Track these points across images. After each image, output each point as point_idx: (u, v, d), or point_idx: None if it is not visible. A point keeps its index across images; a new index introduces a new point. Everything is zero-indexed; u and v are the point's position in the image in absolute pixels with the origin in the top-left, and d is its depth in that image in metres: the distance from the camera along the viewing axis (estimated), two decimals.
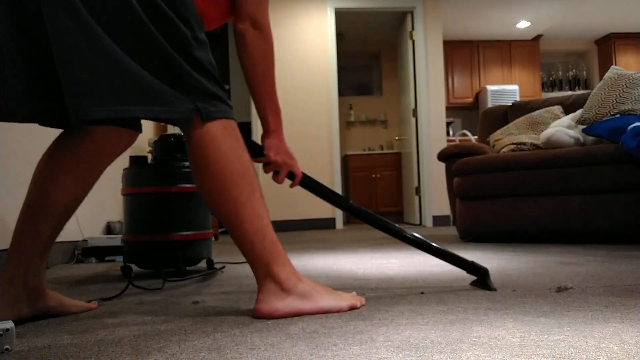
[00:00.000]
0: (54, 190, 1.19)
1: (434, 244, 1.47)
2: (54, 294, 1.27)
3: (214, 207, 1.20)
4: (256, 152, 1.35)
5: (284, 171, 1.37)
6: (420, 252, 2.55)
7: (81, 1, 1.02)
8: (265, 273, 1.18)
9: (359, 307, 1.22)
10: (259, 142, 1.36)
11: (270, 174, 1.39)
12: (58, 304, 1.25)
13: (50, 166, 1.20)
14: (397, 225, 1.49)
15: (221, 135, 1.16)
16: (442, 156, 3.51)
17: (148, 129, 4.31)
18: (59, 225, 1.23)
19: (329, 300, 1.18)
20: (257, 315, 1.15)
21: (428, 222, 5.52)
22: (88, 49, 1.01)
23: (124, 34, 1.05)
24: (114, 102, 1.03)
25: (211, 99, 1.15)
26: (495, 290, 1.40)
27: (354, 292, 1.31)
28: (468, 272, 1.49)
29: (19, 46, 1.06)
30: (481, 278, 1.47)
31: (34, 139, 2.23)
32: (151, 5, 1.07)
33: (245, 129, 6.57)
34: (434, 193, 5.52)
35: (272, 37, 1.29)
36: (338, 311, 1.17)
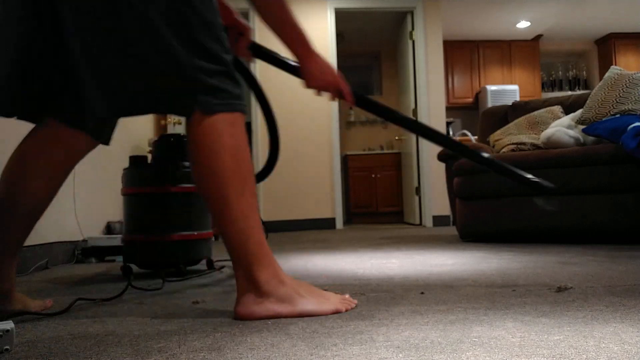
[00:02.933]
0: (23, 191, 1.17)
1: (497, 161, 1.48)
2: (20, 296, 1.26)
3: (205, 203, 1.19)
4: (296, 73, 1.36)
5: (332, 91, 1.37)
6: (420, 252, 2.56)
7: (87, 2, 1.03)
8: (246, 275, 1.16)
9: (344, 311, 1.17)
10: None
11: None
12: (23, 306, 1.24)
13: (18, 167, 1.19)
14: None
15: (218, 130, 1.13)
16: (442, 156, 3.51)
17: (148, 129, 4.31)
18: (29, 227, 1.21)
19: (310, 303, 1.15)
20: (235, 317, 1.15)
21: (428, 222, 5.52)
22: (99, 51, 1.04)
23: (126, 22, 1.05)
24: (118, 100, 1.05)
25: (216, 92, 1.12)
26: (552, 186, 1.39)
27: (347, 295, 1.28)
28: (533, 189, 1.46)
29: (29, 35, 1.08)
30: (545, 196, 1.45)
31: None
32: None
33: (245, 129, 6.58)
34: (434, 193, 5.52)
35: None
36: (320, 315, 1.14)
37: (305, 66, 1.34)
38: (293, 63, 1.38)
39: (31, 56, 1.09)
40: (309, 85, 1.36)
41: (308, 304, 1.16)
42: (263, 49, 1.44)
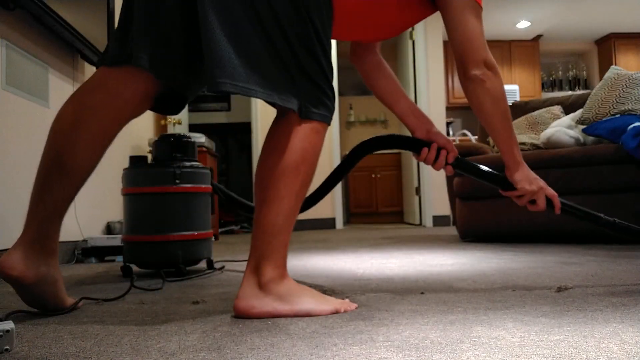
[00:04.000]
0: (69, 157, 1.18)
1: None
2: (60, 274, 1.27)
3: (257, 187, 1.23)
4: (506, 185, 1.42)
5: (541, 197, 1.42)
6: (420, 252, 2.56)
7: None
8: (255, 266, 1.18)
9: (343, 312, 1.18)
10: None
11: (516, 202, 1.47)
12: (57, 280, 1.24)
13: (65, 132, 1.19)
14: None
15: (305, 133, 1.19)
16: None
17: (148, 129, 4.31)
18: (75, 189, 1.23)
19: (309, 303, 1.17)
20: (234, 310, 1.16)
21: (428, 222, 5.52)
22: (230, 31, 1.10)
23: (260, 25, 1.13)
24: (241, 81, 1.10)
25: (316, 100, 1.20)
26: None
27: (346, 299, 1.28)
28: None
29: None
30: None
31: (33, 139, 2.23)
32: (292, 2, 1.14)
33: (245, 128, 6.55)
34: (434, 193, 5.52)
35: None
36: (319, 314, 1.15)
37: (519, 171, 1.41)
38: (499, 174, 1.45)
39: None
40: (522, 189, 1.40)
41: (307, 304, 1.17)
42: (468, 163, 1.47)
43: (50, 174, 1.19)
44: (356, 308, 1.23)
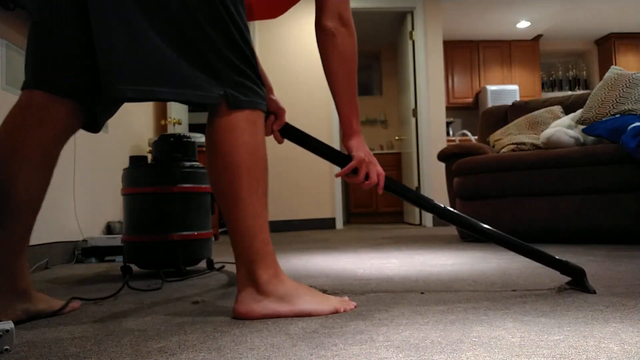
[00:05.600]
0: (15, 188, 1.13)
1: (527, 245, 1.42)
2: (41, 295, 1.26)
3: (216, 197, 1.20)
4: (343, 159, 1.35)
5: (373, 171, 1.36)
6: (420, 252, 2.56)
7: None
8: (247, 273, 1.16)
9: (343, 311, 1.17)
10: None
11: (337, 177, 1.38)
12: (48, 306, 1.24)
13: (5, 162, 1.14)
14: (487, 226, 1.44)
15: (241, 127, 1.14)
16: (442, 156, 3.51)
17: (148, 129, 4.31)
18: (31, 221, 1.19)
19: (310, 303, 1.16)
20: (235, 315, 1.15)
21: (428, 222, 5.52)
22: (123, 32, 1.04)
23: (162, 16, 1.07)
24: (144, 83, 1.04)
25: (243, 88, 1.15)
26: (594, 292, 1.30)
27: (345, 297, 1.28)
28: (562, 272, 1.41)
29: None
30: (577, 278, 1.38)
31: None
32: None
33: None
34: (434, 193, 5.52)
35: (355, 35, 1.28)
36: (319, 314, 1.14)
37: (354, 139, 1.34)
38: (326, 145, 1.39)
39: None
40: (358, 157, 1.34)
41: (307, 304, 1.16)
42: (296, 131, 1.41)
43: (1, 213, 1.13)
44: (355, 307, 1.23)
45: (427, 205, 1.41)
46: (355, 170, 1.35)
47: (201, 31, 1.09)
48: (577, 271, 1.38)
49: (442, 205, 1.41)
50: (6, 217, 1.14)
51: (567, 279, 1.42)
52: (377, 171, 1.37)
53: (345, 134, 1.35)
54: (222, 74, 1.12)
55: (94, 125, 1.27)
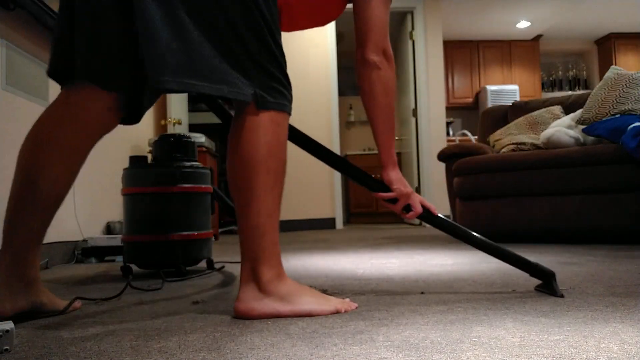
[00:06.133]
0: (43, 179, 1.15)
1: (498, 246, 1.42)
2: (47, 290, 1.26)
3: (232, 191, 1.21)
4: (378, 187, 1.37)
5: (417, 203, 1.37)
6: (420, 252, 2.56)
7: None
8: (250, 270, 1.17)
9: (344, 312, 1.18)
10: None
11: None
12: (49, 301, 1.25)
13: (36, 153, 1.16)
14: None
15: (265, 126, 1.16)
16: (442, 156, 3.51)
17: (148, 129, 4.31)
18: (52, 214, 1.20)
19: (311, 304, 1.16)
20: (235, 313, 1.16)
21: None
22: (167, 24, 1.06)
23: (202, 15, 1.09)
24: (185, 77, 1.07)
25: (272, 89, 1.17)
26: (562, 296, 1.28)
27: (347, 298, 1.27)
28: (531, 274, 1.41)
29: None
30: (546, 282, 1.38)
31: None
32: None
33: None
34: (434, 193, 5.52)
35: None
36: (320, 315, 1.15)
37: (395, 171, 1.37)
38: (373, 178, 1.40)
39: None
40: (398, 191, 1.35)
41: (308, 304, 1.16)
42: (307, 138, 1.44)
43: (22, 198, 1.15)
44: (357, 307, 1.23)
45: (464, 236, 1.41)
46: (394, 200, 1.38)
47: (235, 31, 1.12)
48: (546, 274, 1.38)
49: (478, 235, 1.41)
50: (27, 206, 1.15)
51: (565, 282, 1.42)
52: (420, 200, 1.39)
53: (385, 165, 1.37)
54: (253, 74, 1.15)
55: (133, 118, 1.29)
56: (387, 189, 1.37)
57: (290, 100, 1.22)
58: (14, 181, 1.17)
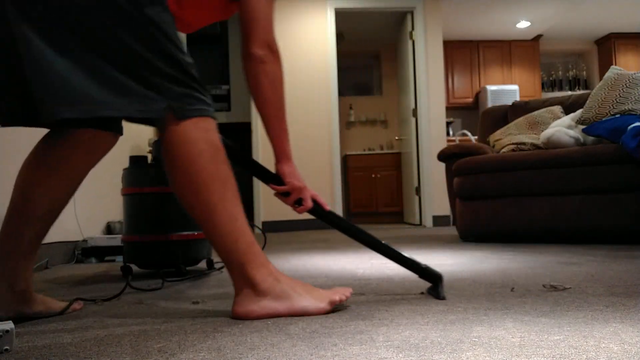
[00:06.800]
0: (37, 195, 1.19)
1: (389, 246, 1.44)
2: (41, 297, 1.26)
3: (187, 209, 1.19)
4: (272, 179, 1.34)
5: (307, 196, 1.36)
6: (420, 252, 2.55)
7: (45, 9, 1.01)
8: (240, 275, 1.16)
9: (339, 301, 1.18)
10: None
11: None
12: (46, 308, 1.25)
13: (33, 170, 1.20)
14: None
15: (194, 136, 1.13)
16: (442, 156, 3.51)
17: (148, 129, 4.31)
18: (44, 229, 1.22)
19: (307, 300, 1.16)
20: (234, 316, 1.15)
21: (428, 222, 5.52)
22: (58, 56, 1.01)
23: (94, 37, 1.05)
24: (85, 103, 1.03)
25: (187, 98, 1.13)
26: (443, 299, 1.30)
27: (338, 287, 1.27)
28: (420, 276, 1.43)
29: None
30: (434, 284, 1.39)
31: (34, 138, 2.23)
32: (121, 6, 1.06)
33: (245, 129, 6.53)
34: (434, 193, 5.52)
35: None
36: (317, 312, 1.15)
37: (288, 164, 1.33)
38: (269, 170, 1.37)
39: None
40: (290, 184, 1.33)
41: (305, 301, 1.16)
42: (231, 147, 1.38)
43: (14, 215, 1.18)
44: (351, 293, 1.23)
45: (351, 232, 1.43)
46: (288, 193, 1.35)
47: (126, 47, 1.07)
48: (434, 276, 1.39)
49: (368, 234, 1.43)
50: (18, 220, 1.18)
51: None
52: (312, 194, 1.38)
53: (278, 159, 1.34)
54: (162, 88, 1.10)
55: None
56: (282, 182, 1.34)
57: (209, 103, 1.18)
58: (12, 196, 1.20)
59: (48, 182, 1.20)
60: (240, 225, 1.17)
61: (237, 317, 1.15)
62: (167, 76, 1.11)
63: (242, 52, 1.26)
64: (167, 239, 1.92)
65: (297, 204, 1.36)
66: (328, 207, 1.41)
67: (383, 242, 1.43)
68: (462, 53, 7.29)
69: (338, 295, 1.19)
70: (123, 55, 1.07)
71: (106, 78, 1.05)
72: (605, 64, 7.22)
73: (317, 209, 1.39)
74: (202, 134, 1.14)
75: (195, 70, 1.17)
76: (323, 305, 1.16)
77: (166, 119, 1.12)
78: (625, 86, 2.95)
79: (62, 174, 1.22)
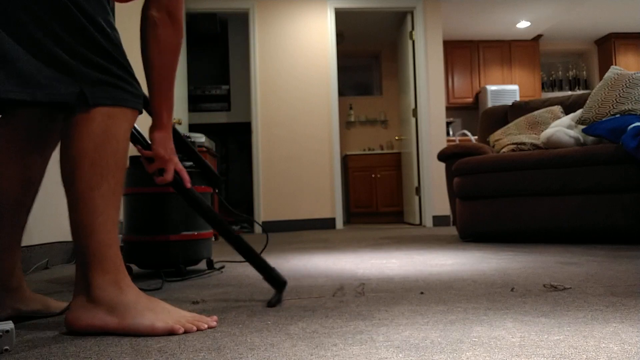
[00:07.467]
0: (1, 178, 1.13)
1: (245, 242, 1.39)
2: (40, 297, 1.25)
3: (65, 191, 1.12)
4: (147, 146, 1.30)
5: (170, 168, 1.30)
6: (420, 252, 2.56)
7: None
8: (82, 276, 1.07)
9: (182, 332, 1.03)
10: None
11: (154, 173, 1.30)
12: (43, 307, 1.23)
13: None
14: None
15: (93, 120, 1.06)
16: (442, 156, 3.51)
17: (148, 129, 4.31)
18: (19, 218, 1.18)
19: (144, 318, 1.04)
20: (65, 323, 1.07)
21: (428, 222, 5.52)
22: None
23: (6, 21, 1.00)
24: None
25: (105, 85, 1.07)
26: (273, 305, 1.28)
27: (210, 316, 1.14)
28: (265, 279, 1.40)
29: None
30: (278, 290, 1.37)
31: None
32: None
33: (245, 128, 6.52)
34: (434, 193, 5.52)
35: (183, 32, 1.24)
36: (150, 332, 1.02)
37: (160, 131, 1.27)
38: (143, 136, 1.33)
39: None
40: (155, 151, 1.27)
41: (141, 319, 1.04)
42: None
43: None
44: (212, 326, 1.09)
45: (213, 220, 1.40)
46: (151, 160, 1.30)
47: (46, 27, 1.02)
48: (278, 282, 1.38)
49: (225, 222, 1.39)
50: None
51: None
52: (178, 169, 1.33)
53: (153, 125, 1.27)
54: (78, 72, 1.05)
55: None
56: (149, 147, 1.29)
57: (133, 93, 1.13)
58: None
59: (3, 172, 1.14)
60: (102, 222, 1.07)
61: (66, 323, 1.06)
62: (86, 61, 1.05)
63: (142, 12, 1.21)
64: (167, 239, 1.92)
65: (160, 174, 1.30)
66: (189, 186, 1.35)
67: (236, 234, 1.39)
68: (462, 53, 7.29)
69: (186, 326, 1.05)
70: (39, 35, 1.02)
71: (13, 60, 0.99)
72: (605, 64, 7.22)
73: (177, 184, 1.33)
74: (103, 120, 1.07)
75: (122, 57, 1.11)
76: (160, 325, 1.03)
77: (75, 105, 1.06)
78: (625, 86, 2.95)
79: (15, 161, 1.16)
